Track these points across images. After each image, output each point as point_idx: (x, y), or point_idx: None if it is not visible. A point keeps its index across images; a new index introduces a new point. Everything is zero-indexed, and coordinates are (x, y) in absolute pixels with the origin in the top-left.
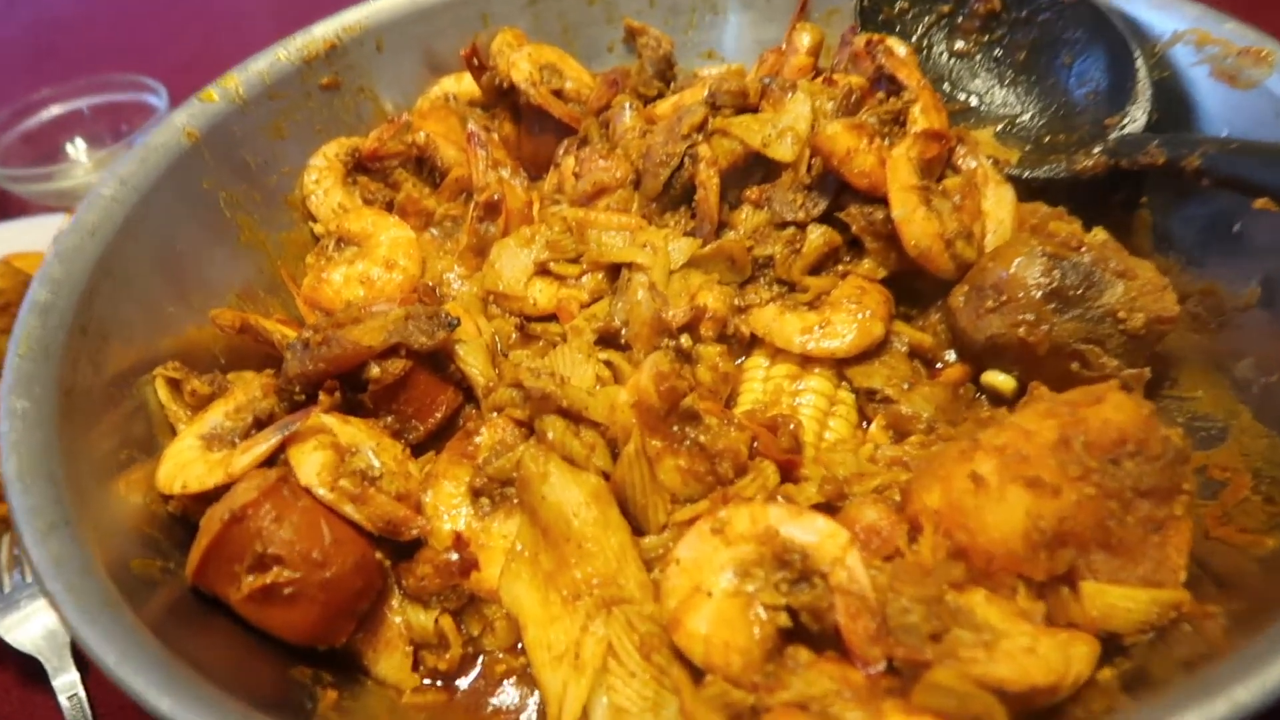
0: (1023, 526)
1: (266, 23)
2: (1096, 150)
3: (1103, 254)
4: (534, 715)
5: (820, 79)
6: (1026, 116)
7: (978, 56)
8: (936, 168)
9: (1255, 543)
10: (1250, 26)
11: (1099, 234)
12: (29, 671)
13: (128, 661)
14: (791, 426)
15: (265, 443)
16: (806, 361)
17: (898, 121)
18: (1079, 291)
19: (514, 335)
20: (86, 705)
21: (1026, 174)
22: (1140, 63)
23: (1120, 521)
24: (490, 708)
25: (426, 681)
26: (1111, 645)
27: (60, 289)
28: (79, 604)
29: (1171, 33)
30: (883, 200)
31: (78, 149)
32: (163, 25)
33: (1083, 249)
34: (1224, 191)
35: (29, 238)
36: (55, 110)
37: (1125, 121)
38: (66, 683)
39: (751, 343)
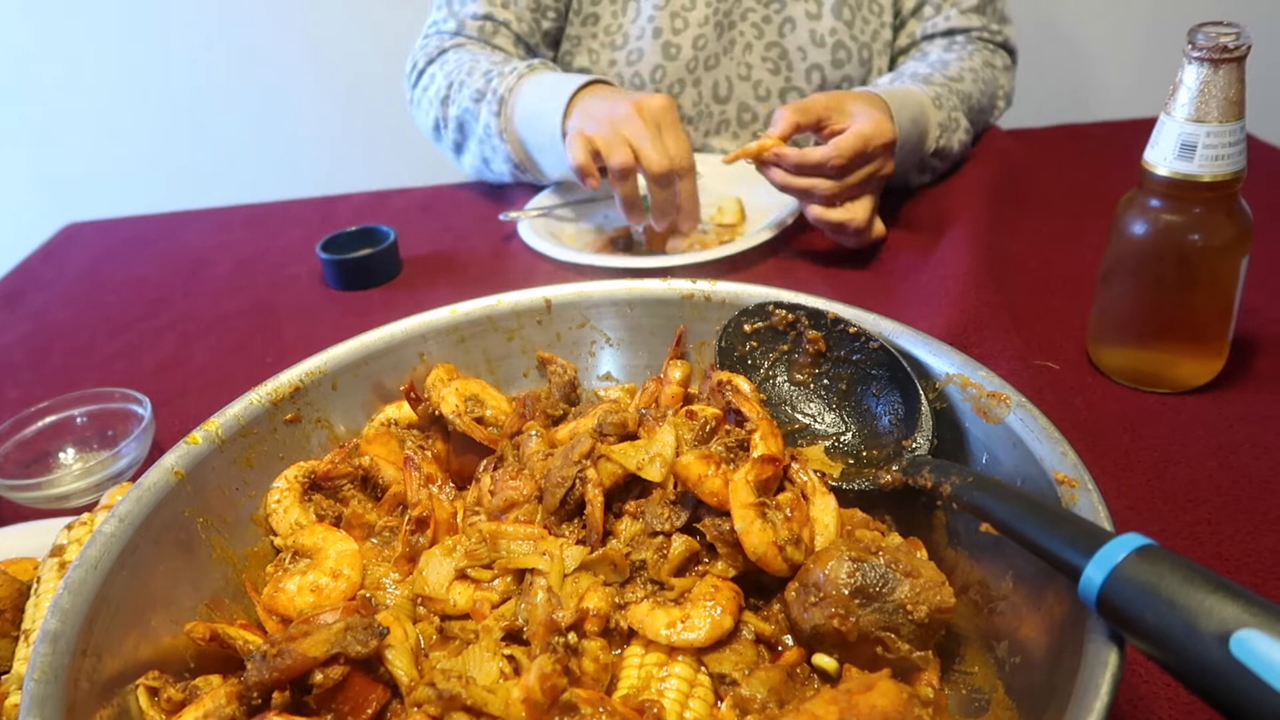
0: None
1: (234, 322)
2: (895, 469)
3: (894, 556)
4: None
5: (685, 408)
6: (848, 436)
7: (811, 385)
8: (773, 484)
9: None
10: (993, 373)
11: (894, 538)
12: None
13: None
14: (655, 710)
15: None
16: (672, 651)
17: (743, 447)
18: (877, 589)
19: (435, 636)
20: None
21: (845, 485)
22: (923, 397)
23: None
24: None
25: None
26: None
27: (68, 618)
28: None
29: (945, 374)
30: (729, 514)
31: (68, 455)
32: (143, 331)
33: (879, 553)
34: None
35: (23, 543)
36: (50, 419)
37: (914, 446)
38: None
39: (631, 633)
